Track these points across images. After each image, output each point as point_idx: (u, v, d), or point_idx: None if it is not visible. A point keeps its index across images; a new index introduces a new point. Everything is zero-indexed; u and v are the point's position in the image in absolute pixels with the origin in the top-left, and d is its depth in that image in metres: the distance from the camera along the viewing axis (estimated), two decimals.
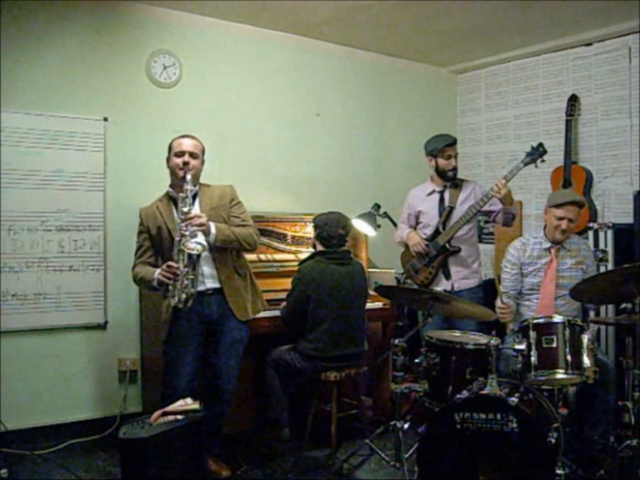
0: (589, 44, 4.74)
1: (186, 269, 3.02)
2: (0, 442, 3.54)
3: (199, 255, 3.05)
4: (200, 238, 3.02)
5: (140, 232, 3.37)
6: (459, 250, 3.93)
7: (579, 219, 3.66)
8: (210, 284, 3.24)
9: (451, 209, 3.95)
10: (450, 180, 3.99)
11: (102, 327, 4.06)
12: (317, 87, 4.94)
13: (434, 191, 4.04)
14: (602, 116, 4.68)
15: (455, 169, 3.97)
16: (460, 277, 3.96)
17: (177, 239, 3.08)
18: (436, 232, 3.96)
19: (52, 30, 3.89)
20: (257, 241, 3.38)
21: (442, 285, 3.96)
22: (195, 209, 3.22)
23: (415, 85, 5.48)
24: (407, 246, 4.11)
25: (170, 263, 3.06)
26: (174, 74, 4.29)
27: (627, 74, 4.53)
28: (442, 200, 4.00)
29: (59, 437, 3.83)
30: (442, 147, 3.93)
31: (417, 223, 4.13)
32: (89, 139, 3.99)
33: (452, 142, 3.96)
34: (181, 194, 3.13)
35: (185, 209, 3.08)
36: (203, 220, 3.09)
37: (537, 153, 3.70)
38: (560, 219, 3.53)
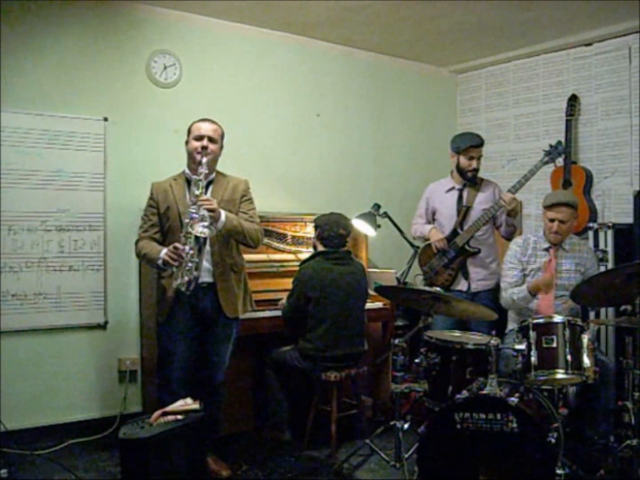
0: (589, 44, 4.74)
1: (191, 252, 3.01)
2: (0, 442, 3.54)
3: (205, 240, 3.05)
4: (208, 222, 3.03)
5: (149, 206, 3.35)
6: (479, 251, 3.91)
7: (575, 220, 3.66)
8: (206, 278, 3.24)
9: (468, 209, 3.94)
10: (469, 180, 3.98)
11: (102, 327, 4.06)
12: (317, 87, 4.94)
13: (453, 188, 4.03)
14: (602, 116, 4.68)
15: (475, 170, 3.94)
16: (478, 278, 3.95)
17: (185, 220, 3.07)
18: (454, 233, 3.95)
19: (52, 30, 3.89)
20: (261, 239, 3.39)
21: (460, 286, 3.95)
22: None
23: (415, 85, 5.48)
24: (426, 246, 4.08)
25: (176, 245, 3.05)
26: (174, 74, 4.28)
27: (627, 74, 4.52)
28: (460, 198, 3.99)
29: (59, 437, 3.82)
30: (465, 147, 3.91)
31: (433, 220, 4.13)
32: (89, 139, 3.99)
33: (477, 144, 3.92)
34: (194, 177, 3.13)
35: (197, 192, 3.08)
36: (214, 205, 3.08)
37: (556, 152, 3.70)
38: (551, 220, 3.55)
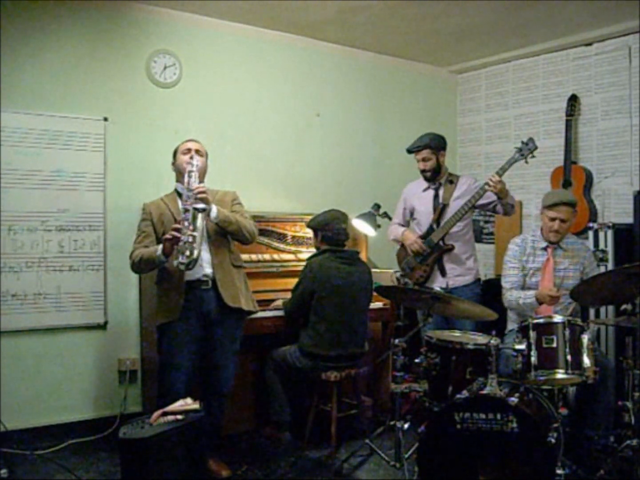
0: (589, 44, 4.74)
1: (190, 227, 3.04)
2: (0, 442, 3.54)
3: (204, 209, 3.07)
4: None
5: (142, 220, 3.38)
6: (453, 247, 3.93)
7: (574, 219, 3.66)
8: (208, 268, 3.24)
9: (444, 206, 3.96)
10: (428, 180, 4.02)
11: (102, 327, 4.06)
12: (317, 87, 4.94)
13: (429, 187, 4.06)
14: (602, 116, 4.68)
15: (428, 170, 3.97)
16: (455, 275, 3.96)
17: (182, 206, 3.12)
18: (430, 230, 3.97)
19: (52, 30, 3.89)
20: (255, 233, 3.41)
21: (438, 283, 3.96)
22: None
23: (415, 85, 5.48)
24: (402, 244, 4.13)
25: (175, 225, 3.09)
26: (174, 74, 4.28)
27: (627, 74, 4.52)
28: (436, 196, 4.02)
29: (59, 437, 3.82)
30: (412, 151, 4.00)
31: (412, 219, 4.15)
32: (89, 139, 3.99)
33: (418, 148, 3.97)
34: (188, 168, 3.17)
35: (190, 180, 3.13)
36: (204, 190, 3.11)
37: (527, 149, 3.70)
38: (552, 219, 3.57)
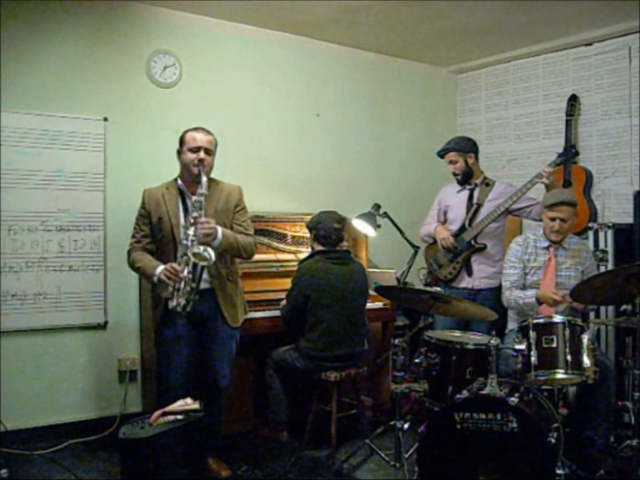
0: (589, 44, 4.74)
1: (189, 275, 3.00)
2: (0, 442, 3.53)
3: (204, 267, 3.04)
4: (208, 248, 3.00)
5: (140, 215, 3.32)
6: (485, 247, 3.94)
7: (575, 218, 3.67)
8: (203, 285, 3.19)
9: (478, 206, 3.99)
10: (460, 183, 4.07)
11: (102, 327, 4.06)
12: (317, 87, 4.94)
13: (463, 189, 4.10)
14: (602, 116, 4.67)
15: (458, 173, 4.05)
16: (482, 276, 3.97)
17: (184, 242, 3.05)
18: (462, 228, 3.98)
19: (52, 30, 3.89)
20: (254, 252, 3.37)
21: (464, 283, 3.99)
22: None
23: (415, 85, 5.48)
24: (433, 241, 4.15)
25: (174, 265, 3.04)
26: (174, 74, 4.28)
27: (627, 74, 4.52)
28: (471, 197, 4.05)
29: (59, 437, 3.82)
30: (440, 154, 4.09)
31: (445, 220, 4.18)
32: (89, 139, 3.99)
33: (443, 152, 4.06)
34: (194, 197, 3.09)
35: (196, 214, 3.04)
36: (212, 225, 3.05)
37: (570, 154, 3.75)
38: (553, 219, 3.57)
